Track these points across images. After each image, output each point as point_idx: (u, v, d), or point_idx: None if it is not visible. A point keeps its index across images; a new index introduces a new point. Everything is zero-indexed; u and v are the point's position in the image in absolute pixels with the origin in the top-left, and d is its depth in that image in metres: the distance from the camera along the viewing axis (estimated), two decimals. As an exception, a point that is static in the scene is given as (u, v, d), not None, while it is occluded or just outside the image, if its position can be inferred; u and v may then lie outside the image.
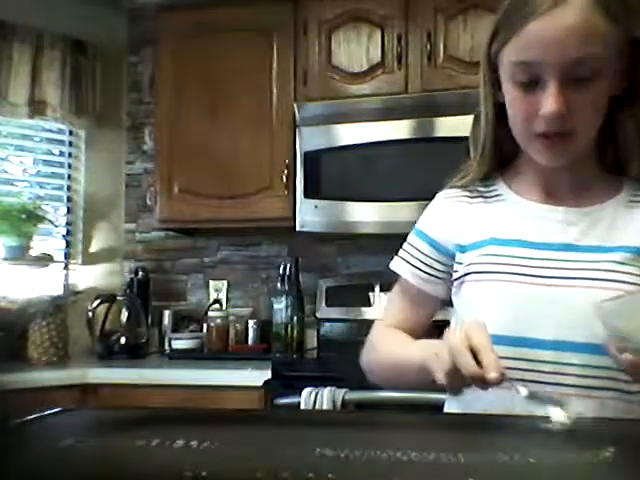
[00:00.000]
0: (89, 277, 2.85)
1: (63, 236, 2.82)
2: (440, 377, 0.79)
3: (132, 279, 2.78)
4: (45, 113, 2.66)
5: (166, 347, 2.67)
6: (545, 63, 0.84)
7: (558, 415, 0.68)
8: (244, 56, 2.58)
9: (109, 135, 2.93)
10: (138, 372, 2.29)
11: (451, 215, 1.03)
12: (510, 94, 0.91)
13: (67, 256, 2.82)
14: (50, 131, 2.84)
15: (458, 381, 0.78)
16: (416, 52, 2.43)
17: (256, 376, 2.14)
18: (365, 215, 2.36)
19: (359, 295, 2.60)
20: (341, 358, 2.38)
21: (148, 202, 2.83)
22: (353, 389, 1.97)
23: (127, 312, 2.65)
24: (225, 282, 2.87)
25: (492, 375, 0.74)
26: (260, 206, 2.50)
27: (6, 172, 2.79)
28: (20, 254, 2.58)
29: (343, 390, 1.98)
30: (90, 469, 0.56)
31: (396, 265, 1.07)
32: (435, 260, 1.03)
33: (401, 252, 1.07)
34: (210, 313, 2.67)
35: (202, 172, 2.58)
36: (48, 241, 2.77)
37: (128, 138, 3.01)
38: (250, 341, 2.67)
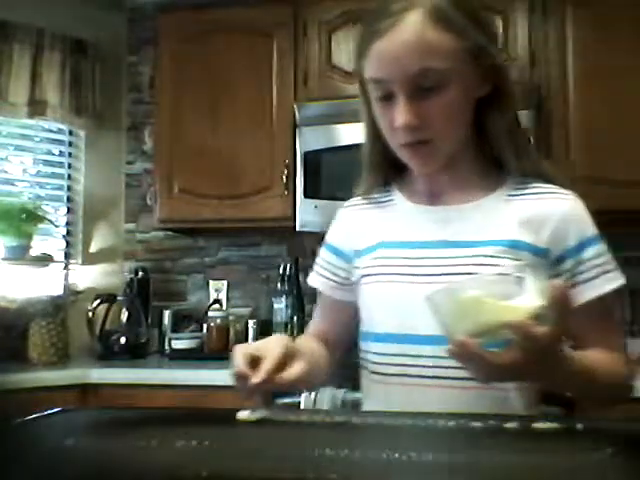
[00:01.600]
0: (89, 277, 2.85)
1: (63, 236, 2.82)
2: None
3: (132, 279, 2.78)
4: (45, 113, 2.66)
5: (166, 347, 2.66)
6: (390, 79, 0.90)
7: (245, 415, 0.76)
8: (244, 56, 2.58)
9: (109, 135, 2.93)
10: (138, 372, 2.29)
11: (349, 223, 1.10)
12: (375, 109, 0.97)
13: (67, 256, 2.82)
14: (50, 131, 2.84)
15: (239, 384, 0.84)
16: (416, 52, 2.42)
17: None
18: (365, 215, 2.36)
19: (359, 295, 2.59)
20: (340, 358, 2.38)
21: (148, 202, 2.83)
22: (353, 389, 1.97)
23: (127, 312, 2.65)
24: (225, 282, 2.87)
25: (253, 379, 0.81)
26: (260, 206, 2.50)
27: (6, 172, 2.79)
28: (20, 254, 2.58)
29: (343, 390, 1.98)
30: (90, 469, 0.56)
31: (310, 278, 1.14)
32: (340, 268, 1.09)
33: (314, 265, 1.14)
34: (210, 313, 2.67)
35: (202, 172, 2.57)
36: (48, 241, 2.77)
37: (128, 138, 3.00)
38: (250, 341, 2.67)
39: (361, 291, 1.04)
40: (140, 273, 2.79)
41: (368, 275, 1.02)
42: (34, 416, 0.73)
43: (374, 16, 0.92)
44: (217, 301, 2.81)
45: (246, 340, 2.67)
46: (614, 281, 0.96)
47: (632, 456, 0.59)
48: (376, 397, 1.02)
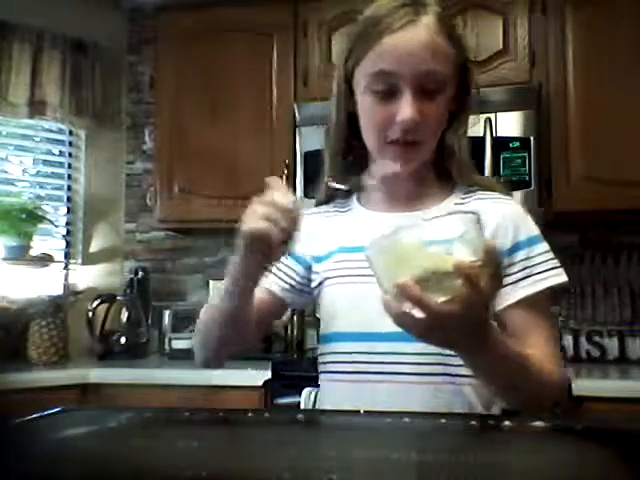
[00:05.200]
0: (89, 277, 2.85)
1: (63, 236, 2.82)
2: (247, 228, 0.85)
3: (132, 279, 2.78)
4: (45, 113, 2.66)
5: (166, 347, 2.66)
6: (400, 73, 0.93)
7: None
8: (244, 56, 2.58)
9: (109, 135, 2.93)
10: (138, 372, 2.29)
11: (310, 231, 1.11)
12: (366, 104, 0.98)
13: (67, 256, 2.82)
14: (50, 131, 2.84)
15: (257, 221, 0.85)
16: (416, 52, 2.42)
17: (256, 376, 2.14)
18: (365, 215, 2.36)
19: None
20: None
21: (148, 202, 2.82)
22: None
23: (127, 312, 2.65)
24: (225, 282, 2.86)
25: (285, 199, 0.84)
26: (260, 206, 2.50)
27: (6, 172, 2.79)
28: (20, 254, 2.58)
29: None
30: (90, 469, 0.56)
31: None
32: (296, 272, 1.11)
33: None
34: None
35: (202, 172, 2.57)
36: (48, 241, 2.77)
37: (128, 138, 3.00)
38: (250, 341, 2.67)
39: (322, 294, 1.07)
40: (140, 273, 2.79)
41: (329, 278, 1.06)
42: (34, 416, 0.73)
43: (379, 14, 0.96)
44: (217, 301, 2.81)
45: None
46: (560, 277, 0.98)
47: (632, 456, 0.59)
48: (334, 396, 1.04)
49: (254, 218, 0.86)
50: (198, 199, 2.57)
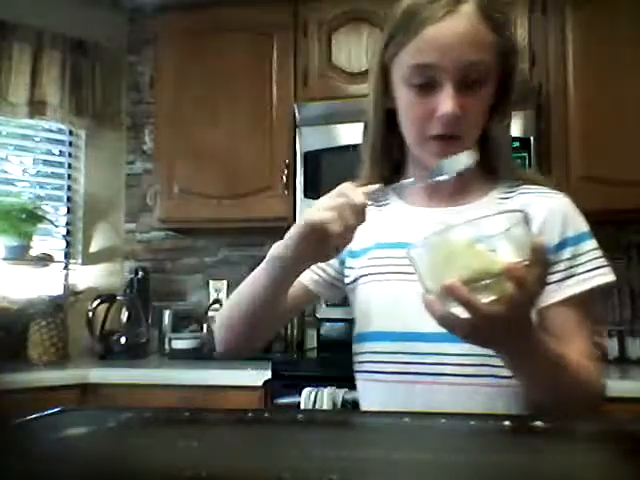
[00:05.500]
0: (89, 277, 2.85)
1: (63, 236, 2.82)
2: (310, 220, 0.82)
3: (132, 279, 2.78)
4: (45, 113, 2.66)
5: (166, 347, 2.67)
6: (441, 66, 0.89)
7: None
8: (244, 56, 2.58)
9: (109, 135, 2.93)
10: (138, 372, 2.29)
11: None
12: (405, 98, 0.95)
13: (67, 256, 2.82)
14: (50, 131, 2.84)
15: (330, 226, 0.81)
16: (416, 52, 2.42)
17: (256, 376, 2.14)
18: (365, 215, 2.36)
19: (359, 295, 2.59)
20: (341, 358, 2.37)
21: (148, 202, 2.83)
22: (353, 389, 1.97)
23: (127, 312, 2.65)
24: (225, 282, 2.87)
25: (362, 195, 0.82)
26: (260, 206, 2.50)
27: (6, 172, 2.79)
28: (20, 254, 2.58)
29: (343, 390, 1.99)
30: (90, 469, 0.56)
31: None
32: (330, 265, 1.08)
33: None
34: (210, 313, 2.67)
35: (202, 172, 2.58)
36: (48, 241, 2.77)
37: (128, 138, 3.01)
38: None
39: (357, 291, 1.04)
40: (140, 273, 2.80)
41: (365, 275, 1.02)
42: (34, 416, 0.73)
43: (416, 5, 0.91)
44: (217, 301, 2.81)
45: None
46: (607, 276, 0.95)
47: (632, 456, 0.59)
48: (374, 397, 1.02)
49: (323, 207, 0.83)
50: (198, 199, 2.57)
